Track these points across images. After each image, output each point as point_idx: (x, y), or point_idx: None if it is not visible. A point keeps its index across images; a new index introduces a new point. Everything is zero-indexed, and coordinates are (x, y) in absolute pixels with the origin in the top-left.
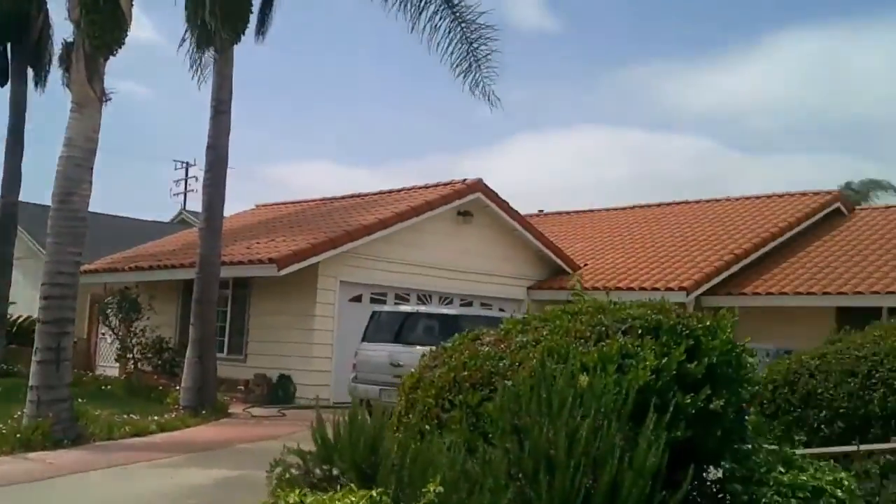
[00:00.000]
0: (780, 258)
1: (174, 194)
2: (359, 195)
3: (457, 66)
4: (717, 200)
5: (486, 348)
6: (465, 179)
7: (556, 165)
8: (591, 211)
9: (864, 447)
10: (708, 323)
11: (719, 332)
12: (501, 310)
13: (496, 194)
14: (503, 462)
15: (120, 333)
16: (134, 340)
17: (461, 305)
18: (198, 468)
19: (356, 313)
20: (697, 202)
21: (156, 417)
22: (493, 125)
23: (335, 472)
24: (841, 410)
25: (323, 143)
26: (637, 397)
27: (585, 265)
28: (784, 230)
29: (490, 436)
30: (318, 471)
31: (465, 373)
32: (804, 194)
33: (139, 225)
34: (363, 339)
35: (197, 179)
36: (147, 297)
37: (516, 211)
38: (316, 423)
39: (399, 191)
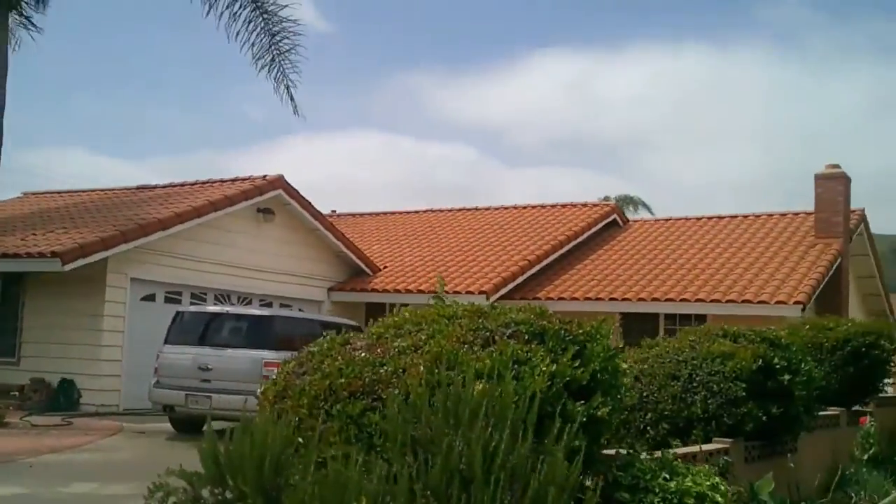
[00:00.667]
0: (567, 265)
1: None
2: (146, 187)
3: (259, 58)
4: (505, 208)
5: (362, 353)
6: (265, 175)
7: (332, 167)
8: (384, 213)
9: (705, 447)
10: (588, 329)
11: (599, 338)
12: (300, 310)
13: (297, 192)
14: (406, 479)
15: None
16: None
17: (261, 306)
18: None
19: (149, 313)
20: (487, 209)
21: None
22: (266, 125)
23: (229, 495)
24: (665, 413)
25: (82, 131)
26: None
27: (385, 267)
28: (571, 238)
29: (378, 449)
30: (208, 495)
31: (342, 380)
32: (584, 205)
33: None
34: (166, 341)
35: None
36: None
37: (318, 210)
38: (206, 441)
39: (193, 184)
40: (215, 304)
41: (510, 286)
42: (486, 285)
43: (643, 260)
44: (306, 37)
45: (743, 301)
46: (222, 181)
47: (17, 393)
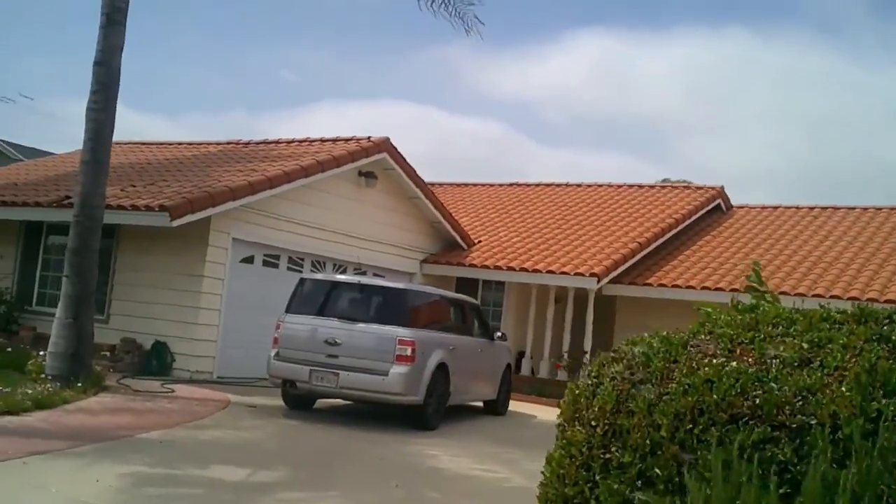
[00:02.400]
0: (675, 251)
1: None
2: (235, 142)
3: None
4: (599, 185)
5: (732, 363)
6: (369, 137)
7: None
8: (465, 185)
9: None
10: None
11: None
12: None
13: (402, 156)
14: None
15: None
16: None
17: (355, 274)
18: (116, 463)
19: (247, 277)
20: (578, 185)
21: (28, 391)
22: (296, 90)
23: None
24: None
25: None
26: None
27: (479, 241)
28: (679, 221)
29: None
30: None
31: (717, 397)
32: (687, 187)
33: None
34: (288, 310)
35: None
36: None
37: (420, 177)
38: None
39: (289, 142)
40: (339, 272)
41: (620, 269)
42: (597, 267)
43: (759, 249)
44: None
45: (869, 299)
46: (322, 140)
47: (108, 353)
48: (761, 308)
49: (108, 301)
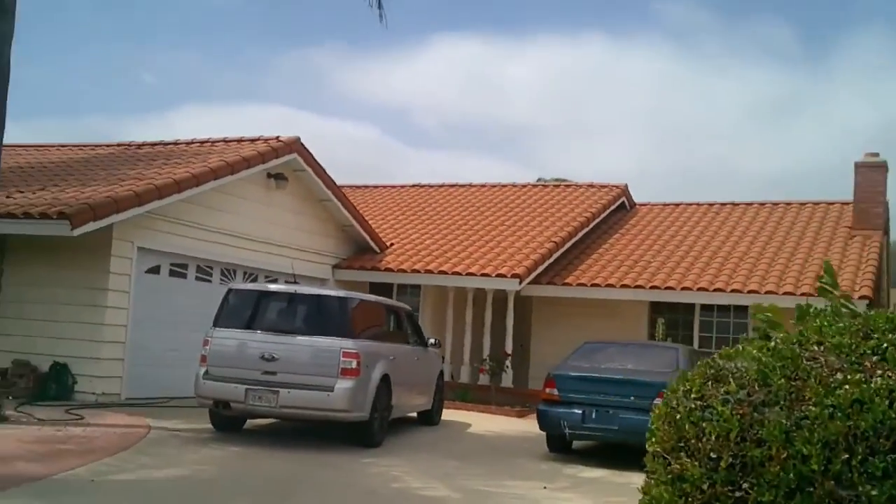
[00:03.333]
0: (587, 249)
1: None
2: (127, 144)
3: None
4: (503, 186)
5: (877, 379)
6: (278, 137)
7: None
8: (364, 186)
9: None
10: None
11: None
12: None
13: (313, 157)
14: None
15: None
16: None
17: (267, 282)
18: None
19: (153, 288)
20: (482, 186)
21: None
22: (157, 93)
23: None
24: None
25: None
26: None
27: (392, 244)
28: (589, 220)
29: None
30: None
31: (874, 421)
32: (591, 186)
33: None
34: (216, 324)
35: None
36: None
37: (331, 178)
38: None
39: (189, 143)
40: (267, 281)
41: (539, 270)
42: (518, 268)
43: (669, 246)
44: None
45: (785, 293)
46: (225, 141)
47: None
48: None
49: None
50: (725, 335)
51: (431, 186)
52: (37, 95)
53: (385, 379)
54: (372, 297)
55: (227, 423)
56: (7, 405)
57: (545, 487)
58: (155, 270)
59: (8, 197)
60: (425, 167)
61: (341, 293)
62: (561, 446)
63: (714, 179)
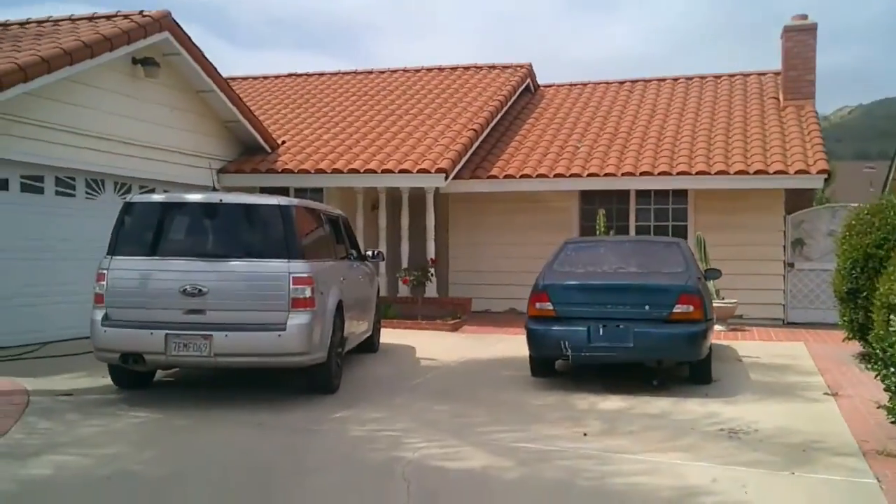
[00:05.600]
0: (506, 137)
1: None
2: None
3: None
4: (394, 71)
5: None
6: (142, 11)
7: None
8: (243, 78)
9: None
10: None
11: None
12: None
13: (189, 38)
14: None
15: None
16: None
17: (142, 193)
18: None
19: (2, 209)
20: (373, 72)
21: None
22: None
23: None
24: None
25: None
26: None
27: (283, 142)
28: (502, 103)
29: None
30: None
31: None
32: (493, 67)
33: None
34: (113, 251)
35: None
36: None
37: (212, 64)
38: None
39: (24, 23)
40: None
41: (461, 163)
42: (441, 161)
43: (591, 130)
44: None
45: (737, 172)
46: (72, 19)
47: None
48: None
49: None
50: (664, 223)
51: (311, 75)
52: None
53: (339, 307)
54: (311, 204)
55: (134, 378)
56: None
57: (586, 434)
58: (2, 186)
59: None
60: (255, 68)
61: (280, 200)
62: (546, 370)
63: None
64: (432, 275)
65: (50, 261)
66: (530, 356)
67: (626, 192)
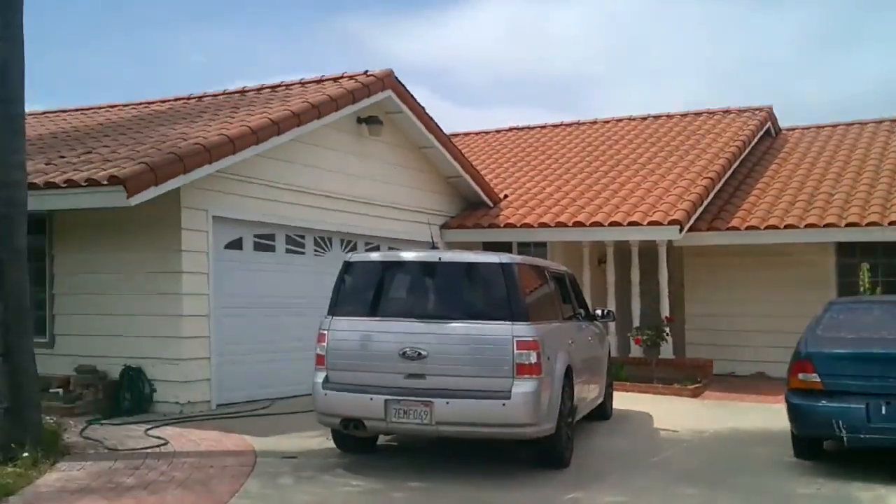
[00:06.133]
0: (743, 185)
1: None
2: (186, 97)
3: None
4: (619, 120)
5: None
6: (367, 71)
7: None
8: (457, 134)
9: None
10: None
11: None
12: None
13: (411, 95)
14: None
15: None
16: None
17: (367, 251)
18: None
19: (237, 266)
20: (597, 122)
21: None
22: (208, 72)
23: None
24: None
25: None
26: None
27: (505, 196)
28: (740, 150)
29: None
30: None
31: None
32: (728, 111)
33: None
34: (333, 311)
35: None
36: None
37: (433, 120)
38: None
39: (259, 90)
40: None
41: (697, 213)
42: (674, 212)
43: (847, 174)
44: None
45: None
46: (302, 83)
47: (59, 390)
48: None
49: (48, 318)
50: None
51: (533, 128)
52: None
53: (568, 373)
54: (534, 260)
55: (357, 442)
56: (71, 428)
57: None
58: (236, 244)
59: (48, 164)
60: (477, 125)
61: (499, 257)
62: (812, 452)
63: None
64: (667, 334)
65: (281, 317)
66: (793, 434)
67: (892, 245)
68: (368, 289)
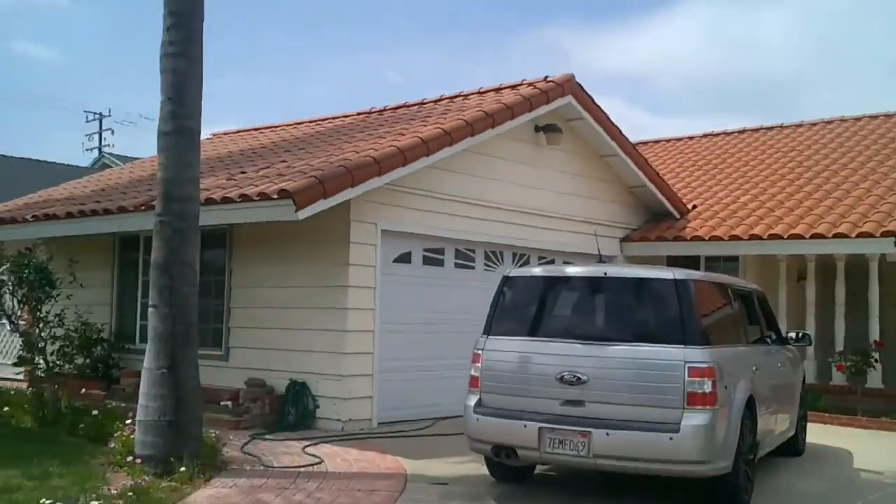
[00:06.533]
0: None
1: (87, 149)
2: (367, 112)
3: None
4: (814, 124)
5: None
6: (546, 77)
7: None
8: (646, 142)
9: None
10: None
11: None
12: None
13: (593, 100)
14: None
15: (21, 321)
16: (46, 331)
17: (542, 264)
18: None
19: (404, 280)
20: (798, 125)
21: (101, 486)
22: (404, 91)
23: None
24: None
25: None
26: None
27: (693, 206)
28: None
29: None
30: None
31: None
32: (860, 118)
33: (47, 169)
34: (488, 331)
35: (113, 133)
36: (65, 262)
37: (616, 126)
38: None
39: (437, 100)
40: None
41: None
42: (891, 223)
43: None
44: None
45: None
46: (480, 92)
47: (229, 403)
48: None
49: (224, 331)
50: None
51: (729, 133)
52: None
53: (750, 403)
54: (715, 277)
55: (512, 471)
56: (231, 442)
57: None
58: (405, 258)
59: (228, 179)
60: (673, 133)
61: (675, 273)
62: None
63: None
64: (876, 360)
65: (448, 333)
66: None
67: None
68: (527, 306)
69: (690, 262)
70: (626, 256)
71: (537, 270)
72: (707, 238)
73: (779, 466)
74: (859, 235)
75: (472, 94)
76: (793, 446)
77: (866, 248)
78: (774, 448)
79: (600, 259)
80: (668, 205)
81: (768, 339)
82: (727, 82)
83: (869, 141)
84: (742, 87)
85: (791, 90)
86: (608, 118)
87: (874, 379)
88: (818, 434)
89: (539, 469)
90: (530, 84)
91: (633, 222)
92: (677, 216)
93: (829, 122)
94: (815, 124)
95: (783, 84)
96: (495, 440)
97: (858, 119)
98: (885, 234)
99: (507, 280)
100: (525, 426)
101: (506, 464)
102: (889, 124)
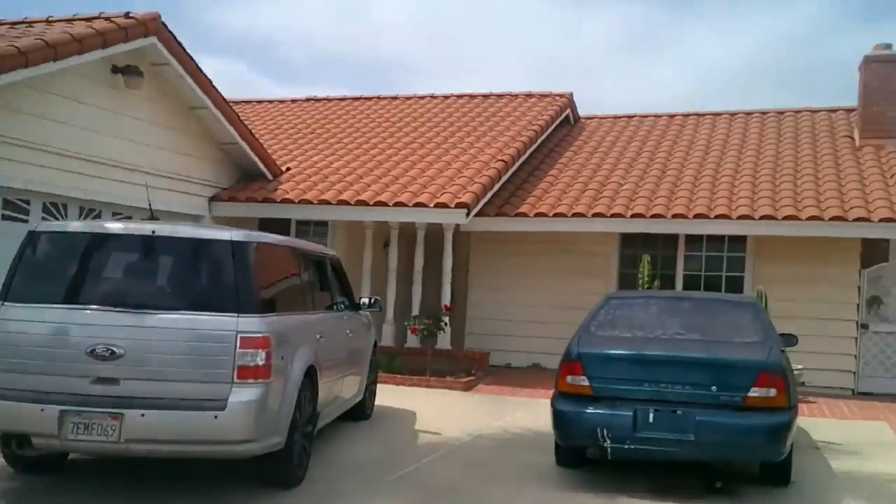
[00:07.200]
0: (539, 171)
1: None
2: None
3: None
4: (421, 97)
5: None
6: (128, 12)
7: None
8: (249, 101)
9: None
10: None
11: None
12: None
13: (181, 45)
14: None
15: None
16: None
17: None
18: None
19: None
20: (395, 98)
21: None
22: None
23: None
24: None
25: None
26: None
27: (287, 169)
28: (538, 133)
29: None
30: None
31: None
32: (529, 95)
33: None
34: (5, 296)
35: None
36: None
37: (207, 76)
38: None
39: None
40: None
41: (486, 198)
42: (463, 195)
43: (637, 165)
44: None
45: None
46: (48, 20)
47: None
48: None
49: None
50: (717, 272)
51: (331, 100)
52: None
53: (310, 373)
54: (283, 240)
55: (38, 460)
56: None
57: None
58: None
59: None
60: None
61: (233, 234)
62: (575, 460)
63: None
64: (446, 324)
65: None
66: (556, 443)
67: (673, 237)
68: (58, 268)
69: (281, 226)
70: (213, 217)
71: (73, 226)
72: (297, 201)
73: (344, 432)
74: (437, 205)
75: (38, 21)
76: (361, 411)
77: (442, 218)
78: (342, 413)
79: (151, 216)
80: (260, 165)
81: (340, 306)
82: (350, 59)
83: (454, 118)
84: (364, 64)
85: (407, 75)
86: (198, 67)
87: (443, 341)
88: (389, 396)
89: (75, 456)
90: (107, 18)
91: (224, 181)
92: (270, 177)
93: (422, 98)
94: (409, 98)
95: (401, 68)
96: (5, 427)
97: (446, 97)
98: (459, 206)
99: (32, 236)
100: (42, 409)
101: (20, 454)
102: (472, 104)
